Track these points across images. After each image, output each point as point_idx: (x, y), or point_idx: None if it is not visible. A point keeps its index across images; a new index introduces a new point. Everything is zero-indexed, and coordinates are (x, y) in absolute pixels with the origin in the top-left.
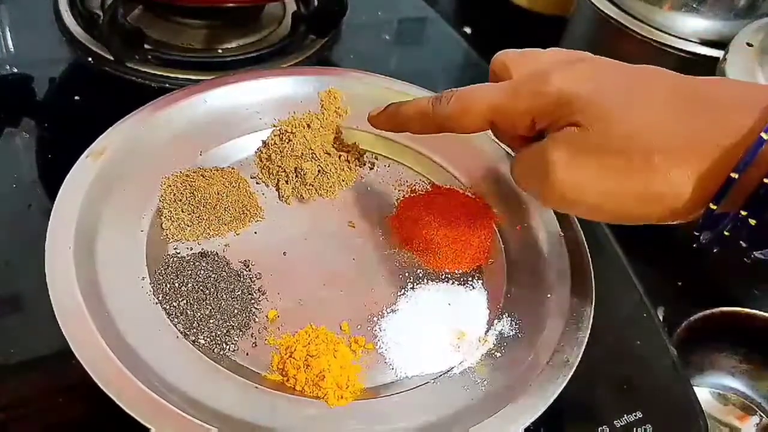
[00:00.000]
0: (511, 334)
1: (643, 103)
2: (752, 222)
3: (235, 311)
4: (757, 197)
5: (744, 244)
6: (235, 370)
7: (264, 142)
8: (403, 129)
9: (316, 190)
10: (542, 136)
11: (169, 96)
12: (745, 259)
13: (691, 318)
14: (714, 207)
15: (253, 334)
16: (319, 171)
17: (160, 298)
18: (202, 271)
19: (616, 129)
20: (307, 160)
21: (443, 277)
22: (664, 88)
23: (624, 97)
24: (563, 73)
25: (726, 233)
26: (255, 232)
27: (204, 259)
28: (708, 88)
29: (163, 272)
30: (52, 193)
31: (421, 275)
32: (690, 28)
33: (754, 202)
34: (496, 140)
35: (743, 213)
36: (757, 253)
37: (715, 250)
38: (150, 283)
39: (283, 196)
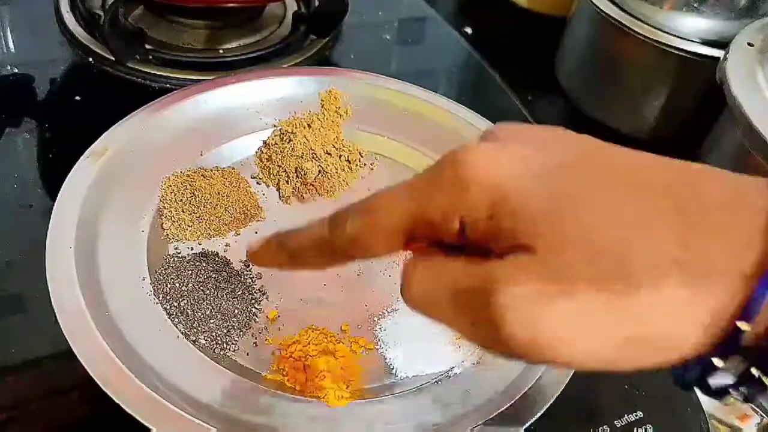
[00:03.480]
0: None
1: (610, 203)
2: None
3: (236, 311)
4: None
5: (753, 406)
6: (236, 370)
7: (264, 142)
8: (297, 265)
9: (316, 190)
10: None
11: (169, 96)
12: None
13: None
14: (719, 365)
15: (253, 334)
16: (319, 171)
17: (160, 298)
18: (202, 271)
19: (579, 250)
20: (308, 160)
21: None
22: (637, 177)
23: (582, 193)
24: (491, 152)
25: (732, 392)
26: (256, 232)
27: (204, 259)
28: (696, 180)
29: (163, 272)
30: (53, 193)
31: None
32: (691, 28)
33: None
34: None
35: (755, 372)
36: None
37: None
38: (150, 283)
39: (283, 196)
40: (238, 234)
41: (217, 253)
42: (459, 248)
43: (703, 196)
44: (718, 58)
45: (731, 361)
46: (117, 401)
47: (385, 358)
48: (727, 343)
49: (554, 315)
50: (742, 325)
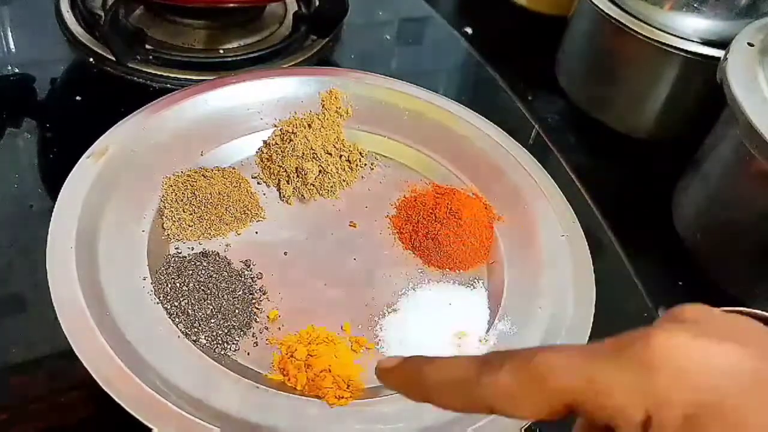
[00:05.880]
0: (512, 333)
1: None
2: None
3: (236, 311)
4: None
5: None
6: (237, 370)
7: (265, 142)
8: (426, 399)
9: (317, 190)
10: None
11: (170, 96)
12: None
13: None
14: None
15: (254, 333)
16: (320, 171)
17: (161, 298)
18: (203, 271)
19: None
20: (308, 160)
21: (444, 276)
22: None
23: None
24: (696, 340)
25: None
26: (256, 232)
27: (205, 258)
28: None
29: (164, 272)
30: (53, 193)
31: (421, 275)
32: (691, 28)
33: None
34: (498, 141)
35: None
36: None
37: None
38: (151, 283)
39: (284, 196)
40: (239, 234)
41: (218, 253)
42: None
43: None
44: (718, 58)
45: None
46: (118, 401)
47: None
48: None
49: None
50: None
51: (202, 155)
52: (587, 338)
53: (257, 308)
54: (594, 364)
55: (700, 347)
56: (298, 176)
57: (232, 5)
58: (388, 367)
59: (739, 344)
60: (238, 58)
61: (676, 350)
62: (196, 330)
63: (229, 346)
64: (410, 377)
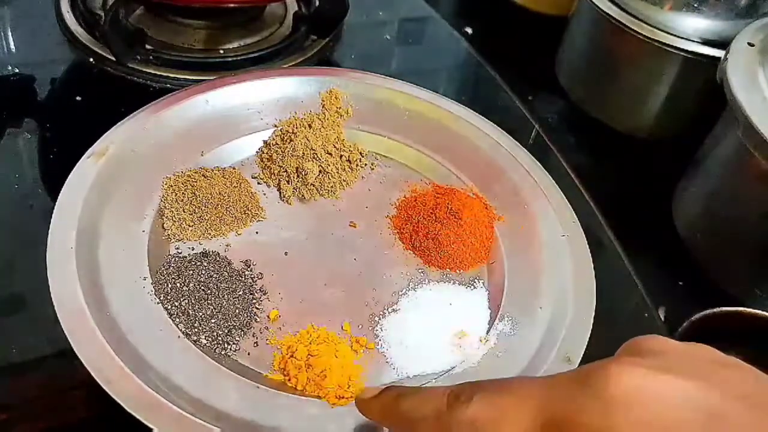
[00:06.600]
0: (512, 333)
1: None
2: None
3: (237, 311)
4: None
5: None
6: (237, 370)
7: (265, 142)
8: (404, 428)
9: (317, 190)
10: None
11: (170, 96)
12: None
13: (692, 318)
14: None
15: (254, 333)
16: (320, 171)
17: (161, 298)
18: (203, 271)
19: None
20: (309, 160)
21: (444, 276)
22: None
23: None
24: (649, 377)
25: None
26: (256, 232)
27: (205, 258)
28: None
29: (164, 272)
30: (53, 193)
31: (422, 275)
32: (691, 28)
33: None
34: (498, 141)
35: None
36: None
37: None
38: (151, 283)
39: (284, 196)
40: (239, 234)
41: (218, 253)
42: None
43: None
44: (718, 58)
45: None
46: (118, 401)
47: (386, 358)
48: None
49: None
50: None
51: (202, 155)
52: (587, 338)
53: (257, 308)
54: (557, 393)
55: (656, 382)
56: (298, 176)
57: (232, 5)
58: (366, 398)
59: (696, 378)
60: (238, 58)
61: (633, 385)
62: (196, 330)
63: (229, 346)
64: (388, 410)
